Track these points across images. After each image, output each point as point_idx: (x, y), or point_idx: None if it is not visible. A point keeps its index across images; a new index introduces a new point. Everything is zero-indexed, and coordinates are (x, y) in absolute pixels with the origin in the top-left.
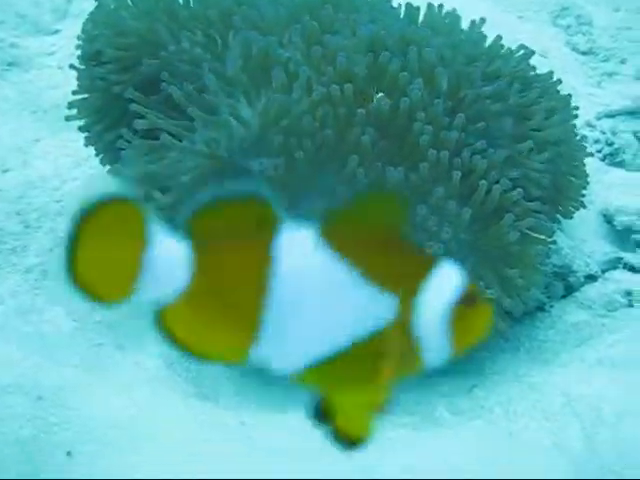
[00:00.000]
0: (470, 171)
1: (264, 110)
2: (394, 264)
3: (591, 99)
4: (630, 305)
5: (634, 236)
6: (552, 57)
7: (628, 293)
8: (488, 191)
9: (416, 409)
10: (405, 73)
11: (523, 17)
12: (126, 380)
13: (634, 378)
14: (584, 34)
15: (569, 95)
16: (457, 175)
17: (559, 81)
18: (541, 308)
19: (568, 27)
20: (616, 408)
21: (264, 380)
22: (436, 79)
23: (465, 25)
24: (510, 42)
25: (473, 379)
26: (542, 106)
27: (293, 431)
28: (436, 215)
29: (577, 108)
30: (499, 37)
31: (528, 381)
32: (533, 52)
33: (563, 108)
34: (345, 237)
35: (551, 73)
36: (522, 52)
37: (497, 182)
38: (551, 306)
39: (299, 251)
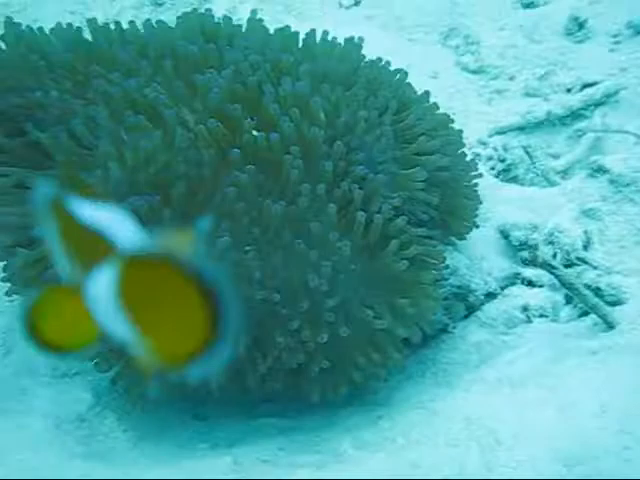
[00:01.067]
0: (350, 202)
1: (132, 163)
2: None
3: (482, 117)
4: (529, 320)
5: (521, 254)
6: (443, 77)
7: (525, 308)
8: (370, 222)
9: (320, 447)
10: (275, 105)
11: (414, 39)
12: (7, 445)
13: (529, 395)
14: (473, 53)
15: (447, 115)
16: (332, 209)
17: (435, 105)
18: (444, 330)
19: (457, 47)
20: (512, 429)
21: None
22: (312, 109)
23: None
24: (401, 65)
25: (379, 410)
26: (422, 128)
27: None
28: (317, 249)
29: (461, 131)
30: (379, 59)
31: (432, 407)
32: (406, 73)
33: (444, 129)
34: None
35: (427, 94)
36: (399, 74)
37: (379, 211)
38: (454, 327)
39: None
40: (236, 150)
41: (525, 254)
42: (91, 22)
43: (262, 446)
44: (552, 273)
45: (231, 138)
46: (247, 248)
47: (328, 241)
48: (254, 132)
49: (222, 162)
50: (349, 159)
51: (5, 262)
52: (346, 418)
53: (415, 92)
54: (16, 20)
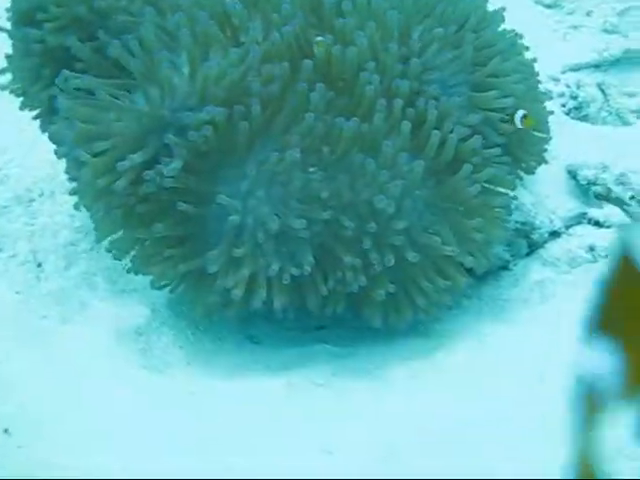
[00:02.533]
0: (423, 122)
1: (204, 71)
2: None
3: (556, 53)
4: (594, 260)
5: (594, 188)
6: (515, 11)
7: (591, 248)
8: (443, 142)
9: (375, 373)
10: (350, 19)
11: None
12: (70, 354)
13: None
14: None
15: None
16: (406, 126)
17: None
18: (505, 267)
19: None
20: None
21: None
22: (387, 24)
23: None
24: None
25: (435, 341)
26: (498, 48)
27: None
28: (387, 169)
29: (534, 59)
30: None
31: (487, 341)
32: None
33: (518, 54)
34: None
35: (501, 13)
36: None
37: (451, 132)
38: (515, 264)
39: None
40: (308, 61)
41: (599, 188)
42: None
43: (316, 371)
44: (624, 210)
45: (304, 52)
46: (311, 169)
47: (398, 162)
48: (326, 45)
49: (293, 76)
50: (422, 79)
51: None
52: (401, 347)
53: (496, 14)
54: None
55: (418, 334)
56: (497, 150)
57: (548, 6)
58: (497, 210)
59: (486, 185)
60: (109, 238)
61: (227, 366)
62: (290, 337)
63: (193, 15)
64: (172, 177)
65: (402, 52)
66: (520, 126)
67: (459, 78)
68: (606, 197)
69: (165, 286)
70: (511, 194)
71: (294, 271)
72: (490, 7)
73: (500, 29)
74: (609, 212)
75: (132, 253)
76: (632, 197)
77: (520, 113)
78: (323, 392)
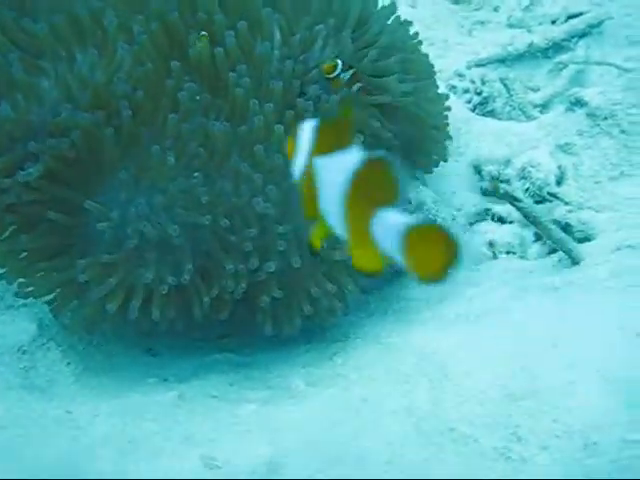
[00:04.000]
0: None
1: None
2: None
3: (462, 48)
4: (495, 257)
5: (482, 184)
6: (422, 6)
7: (491, 244)
8: None
9: (272, 382)
10: (220, 16)
11: None
12: None
13: (484, 331)
14: None
15: (414, 37)
16: (279, 129)
17: (402, 25)
18: None
19: None
20: (463, 365)
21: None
22: (264, 24)
23: None
24: None
25: (336, 346)
26: (379, 45)
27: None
28: (264, 173)
29: (426, 55)
30: None
31: (387, 342)
32: None
33: (410, 51)
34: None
35: (392, 8)
36: None
37: None
38: None
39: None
40: (175, 63)
41: (486, 184)
42: None
43: (213, 381)
44: (514, 205)
45: (174, 51)
46: (195, 174)
47: (276, 165)
48: (199, 44)
49: (163, 80)
50: (303, 79)
51: None
52: (302, 354)
53: (383, 9)
54: None
55: (319, 340)
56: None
57: (456, 2)
58: None
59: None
60: None
61: (117, 382)
62: (192, 347)
63: (56, 16)
64: (35, 188)
65: (283, 52)
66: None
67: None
68: (493, 193)
69: (38, 297)
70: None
71: (172, 280)
72: (381, 2)
73: (394, 25)
74: (512, 208)
75: (5, 268)
76: (527, 189)
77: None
78: (216, 404)
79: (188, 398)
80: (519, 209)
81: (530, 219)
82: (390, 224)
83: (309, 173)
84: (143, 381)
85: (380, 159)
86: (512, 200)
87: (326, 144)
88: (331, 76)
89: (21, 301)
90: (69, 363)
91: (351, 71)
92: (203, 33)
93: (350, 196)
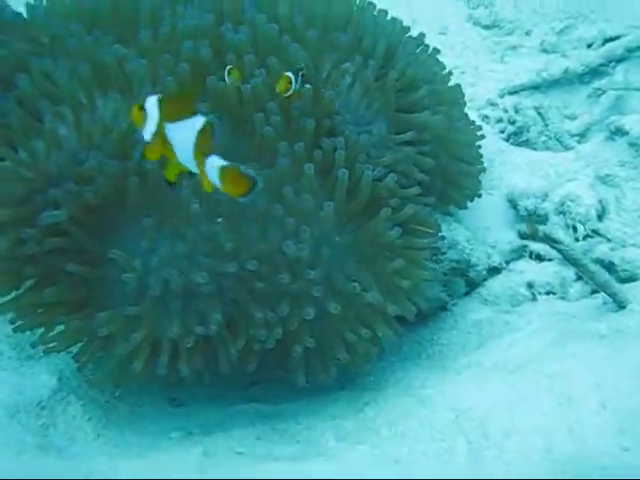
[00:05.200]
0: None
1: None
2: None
3: (494, 75)
4: (534, 298)
5: (519, 227)
6: (453, 33)
7: (530, 285)
8: (358, 182)
9: (301, 436)
10: (251, 56)
11: None
12: None
13: (526, 383)
14: (486, 7)
15: (443, 68)
16: (309, 169)
17: (432, 55)
18: (444, 307)
19: (469, 0)
20: (503, 424)
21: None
22: (291, 58)
23: None
24: (406, 19)
25: (367, 395)
26: (408, 79)
27: None
28: (294, 216)
29: (458, 85)
30: (370, 4)
31: (421, 394)
32: (402, 22)
33: (441, 82)
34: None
35: (422, 36)
36: (396, 23)
37: (363, 172)
38: (454, 304)
39: None
40: (201, 103)
41: (523, 227)
42: None
43: (239, 435)
44: (555, 248)
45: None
46: (219, 220)
47: (307, 207)
48: (229, 78)
49: None
50: (333, 118)
51: None
52: (332, 403)
53: (411, 40)
54: None
55: (351, 387)
56: (416, 189)
57: (486, 27)
58: (419, 252)
59: (408, 226)
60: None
61: (141, 436)
62: (217, 396)
63: (79, 61)
64: (56, 234)
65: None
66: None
67: (372, 114)
68: (532, 236)
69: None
70: (439, 234)
71: (200, 330)
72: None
73: (422, 57)
74: None
75: (25, 320)
76: (566, 225)
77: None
78: (242, 461)
79: (213, 454)
80: (560, 251)
81: (571, 262)
82: (213, 164)
83: (161, 134)
84: (167, 435)
85: (211, 122)
86: (552, 243)
87: (172, 113)
88: (289, 94)
89: (41, 352)
90: (90, 418)
91: (300, 73)
92: (231, 67)
93: (196, 146)
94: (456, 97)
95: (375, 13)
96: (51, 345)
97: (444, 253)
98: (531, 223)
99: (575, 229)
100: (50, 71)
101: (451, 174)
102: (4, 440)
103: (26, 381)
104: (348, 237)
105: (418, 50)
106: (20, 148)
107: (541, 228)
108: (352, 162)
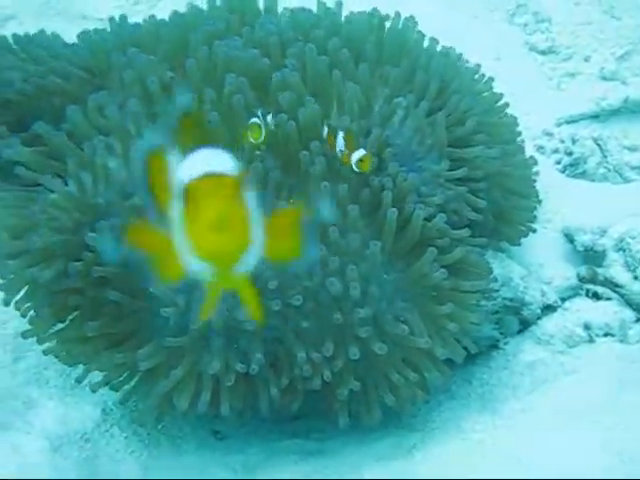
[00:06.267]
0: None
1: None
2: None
3: (550, 104)
4: (591, 340)
5: (579, 270)
6: (508, 59)
7: (587, 326)
8: (407, 221)
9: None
10: (291, 93)
11: (478, 17)
12: None
13: (583, 435)
14: (543, 32)
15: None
16: (354, 210)
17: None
18: (495, 346)
19: (525, 25)
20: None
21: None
22: (343, 95)
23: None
24: (461, 45)
25: (415, 436)
26: (461, 111)
27: None
28: (338, 255)
29: (514, 117)
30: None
31: (471, 438)
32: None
33: (494, 113)
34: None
35: (478, 67)
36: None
37: (414, 211)
38: (506, 343)
39: None
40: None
41: (583, 271)
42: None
43: (283, 474)
44: (616, 292)
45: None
46: None
47: (353, 247)
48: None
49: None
50: (382, 155)
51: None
52: (377, 441)
53: (466, 71)
54: None
55: (397, 425)
56: (466, 231)
57: (543, 52)
58: (470, 295)
59: (458, 267)
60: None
61: (183, 471)
62: (260, 430)
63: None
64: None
65: (361, 125)
66: (356, 169)
67: (425, 150)
68: (592, 280)
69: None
70: (490, 276)
71: (240, 368)
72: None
73: (476, 88)
74: None
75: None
76: (634, 268)
77: (357, 155)
78: None
79: None
80: (622, 296)
81: (634, 307)
82: None
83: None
84: (210, 471)
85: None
86: (613, 287)
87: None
88: (341, 152)
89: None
90: (133, 451)
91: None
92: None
93: None
94: (511, 130)
95: (427, 43)
96: (94, 382)
97: (497, 290)
98: (591, 267)
99: (635, 268)
100: (103, 104)
101: (504, 209)
102: (48, 474)
103: (70, 412)
104: (396, 276)
105: (473, 80)
106: (70, 180)
107: (600, 271)
108: (401, 202)
